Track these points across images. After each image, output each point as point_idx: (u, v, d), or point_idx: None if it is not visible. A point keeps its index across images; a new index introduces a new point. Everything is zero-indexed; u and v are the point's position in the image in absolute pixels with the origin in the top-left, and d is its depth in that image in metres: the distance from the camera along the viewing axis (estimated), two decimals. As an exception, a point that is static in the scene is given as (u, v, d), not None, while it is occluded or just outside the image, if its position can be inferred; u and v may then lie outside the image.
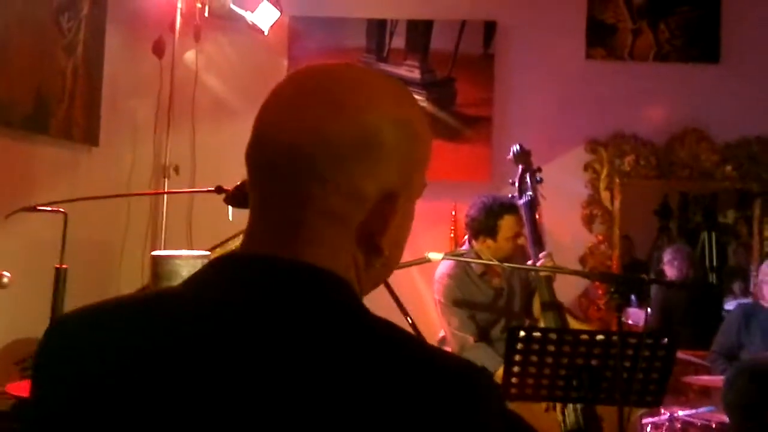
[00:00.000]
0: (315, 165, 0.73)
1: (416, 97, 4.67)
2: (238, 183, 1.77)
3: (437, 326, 3.15)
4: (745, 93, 4.60)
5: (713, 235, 5.83)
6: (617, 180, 4.60)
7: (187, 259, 1.76)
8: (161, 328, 0.71)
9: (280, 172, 0.74)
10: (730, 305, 4.58)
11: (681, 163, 4.60)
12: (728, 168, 4.56)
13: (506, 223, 3.00)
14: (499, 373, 2.46)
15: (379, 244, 0.76)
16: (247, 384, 0.66)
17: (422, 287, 3.67)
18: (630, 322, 4.66)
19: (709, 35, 4.63)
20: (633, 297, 4.94)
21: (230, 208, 1.75)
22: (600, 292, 4.47)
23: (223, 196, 1.84)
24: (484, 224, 3.01)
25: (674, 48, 4.67)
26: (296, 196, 0.74)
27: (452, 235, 4.27)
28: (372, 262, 0.77)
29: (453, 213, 4.34)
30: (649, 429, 3.40)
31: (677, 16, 4.67)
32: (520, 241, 3.03)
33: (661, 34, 4.68)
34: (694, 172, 4.60)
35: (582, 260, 4.49)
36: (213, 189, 2.00)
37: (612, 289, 2.32)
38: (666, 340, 2.45)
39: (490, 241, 3.00)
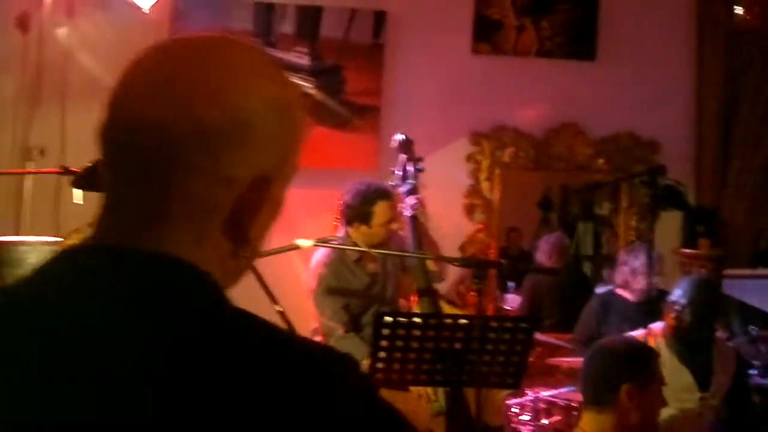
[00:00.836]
0: (181, 148, 0.68)
1: (305, 84, 4.71)
2: (89, 164, 1.71)
3: (311, 316, 3.17)
4: (618, 90, 4.86)
5: (589, 225, 6.16)
6: (497, 171, 4.76)
7: (34, 246, 1.69)
8: None
9: (140, 154, 0.69)
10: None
11: (557, 156, 4.82)
12: (601, 161, 4.81)
13: (380, 209, 3.03)
14: (367, 363, 2.50)
15: (247, 232, 0.73)
16: (81, 392, 0.62)
17: (297, 275, 3.68)
18: (507, 307, 4.85)
19: (586, 33, 4.85)
20: (511, 284, 5.17)
21: (77, 191, 1.69)
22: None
23: (72, 178, 1.78)
24: (358, 210, 3.04)
25: (555, 45, 4.86)
26: (159, 180, 0.69)
27: (336, 223, 4.30)
28: (238, 252, 0.73)
29: (340, 202, 4.37)
30: (516, 410, 3.56)
31: (558, 14, 4.85)
32: (394, 226, 3.08)
33: (543, 30, 4.86)
34: (569, 164, 4.82)
35: (462, 248, 4.63)
36: (59, 170, 1.92)
37: (474, 274, 2.40)
38: (525, 324, 2.57)
39: (364, 228, 3.04)
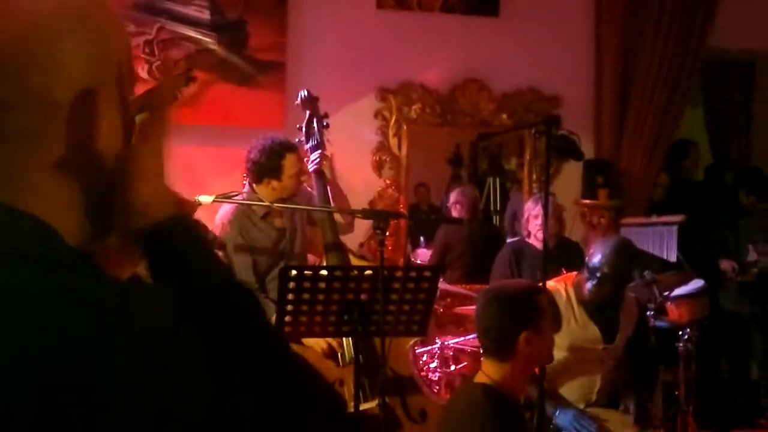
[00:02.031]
0: None
1: (206, 39, 4.56)
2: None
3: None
4: (520, 46, 4.94)
5: (497, 180, 6.31)
6: (405, 127, 4.79)
7: None
8: None
9: None
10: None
11: (462, 112, 4.88)
12: (504, 116, 4.90)
13: (289, 162, 3.00)
14: (272, 319, 2.49)
15: (94, 148, 0.68)
16: None
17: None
18: (419, 261, 4.93)
19: (490, -11, 4.88)
20: (422, 238, 5.25)
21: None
22: (388, 233, 4.66)
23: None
24: (267, 166, 2.99)
25: (459, 0, 4.87)
26: None
27: (245, 181, 4.23)
28: (94, 168, 0.69)
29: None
30: (425, 358, 3.66)
31: (462, -31, 4.86)
32: (303, 178, 3.07)
33: (447, -14, 4.86)
34: (474, 119, 4.89)
35: (372, 204, 4.65)
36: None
37: (375, 226, 2.41)
38: (429, 272, 2.60)
39: (275, 182, 3.00)
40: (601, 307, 2.89)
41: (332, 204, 3.07)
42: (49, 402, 0.58)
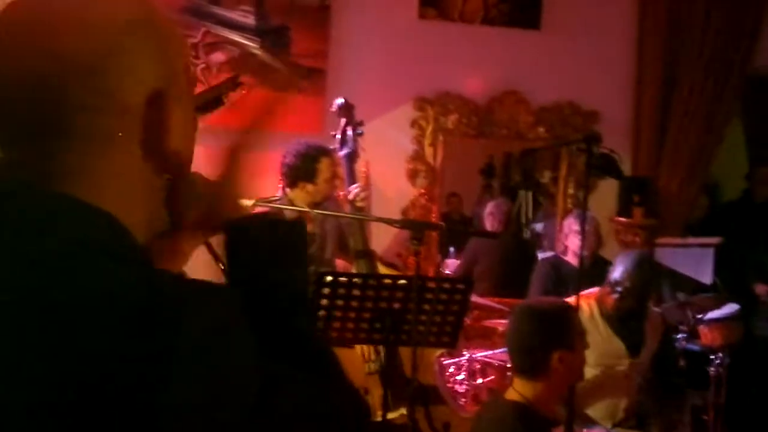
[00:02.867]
0: (61, 88, 0.68)
1: (250, 44, 4.63)
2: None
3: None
4: (560, 60, 4.93)
5: (530, 193, 6.29)
6: (441, 137, 4.80)
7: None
8: None
9: (18, 105, 0.69)
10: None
11: (500, 124, 4.88)
12: (541, 129, 4.89)
13: (324, 165, 3.05)
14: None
15: (166, 147, 0.74)
16: None
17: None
18: (448, 272, 4.94)
19: (531, 2, 4.89)
20: (452, 249, 5.25)
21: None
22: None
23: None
24: (303, 169, 3.04)
25: (500, 12, 4.88)
26: (50, 134, 0.69)
27: (280, 186, 4.29)
28: (162, 169, 0.74)
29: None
30: (452, 369, 3.66)
31: (504, -18, 4.87)
32: (337, 183, 3.10)
33: (489, -2, 4.88)
34: (511, 132, 4.89)
35: (404, 212, 4.67)
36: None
37: (412, 236, 2.44)
38: (462, 285, 2.62)
39: (309, 186, 3.04)
40: (625, 321, 2.88)
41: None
42: (112, 387, 0.63)
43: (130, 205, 0.73)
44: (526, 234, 6.02)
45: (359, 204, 3.02)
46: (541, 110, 4.90)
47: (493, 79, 4.88)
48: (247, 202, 2.58)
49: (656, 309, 3.17)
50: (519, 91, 4.87)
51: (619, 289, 2.81)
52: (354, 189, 3.01)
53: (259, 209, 3.00)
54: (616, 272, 2.84)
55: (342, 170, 3.14)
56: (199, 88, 0.92)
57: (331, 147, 3.20)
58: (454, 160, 5.07)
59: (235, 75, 3.88)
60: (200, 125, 0.92)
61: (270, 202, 2.88)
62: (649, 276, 2.89)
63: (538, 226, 5.56)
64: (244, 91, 4.29)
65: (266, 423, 0.72)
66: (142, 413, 0.63)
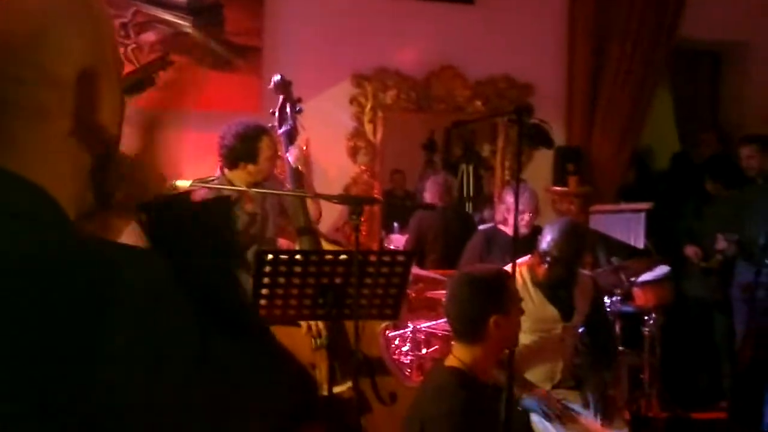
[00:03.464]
0: None
1: (182, 23, 4.55)
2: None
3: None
4: (494, 34, 4.99)
5: (471, 167, 6.38)
6: (380, 113, 4.82)
7: None
8: None
9: None
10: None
11: (438, 98, 4.93)
12: (478, 103, 4.96)
13: (265, 145, 3.03)
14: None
15: (96, 123, 0.76)
16: None
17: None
18: (392, 247, 4.98)
19: (465, -22, 4.92)
20: (396, 224, 5.31)
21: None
22: (362, 219, 4.72)
23: None
24: (243, 150, 3.02)
25: (435, -12, 4.90)
26: None
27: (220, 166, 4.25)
28: (96, 142, 0.76)
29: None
30: (397, 342, 3.72)
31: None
32: (275, 162, 3.07)
33: (423, -27, 4.89)
34: (449, 106, 4.94)
35: (346, 189, 4.69)
36: None
37: (351, 211, 2.46)
38: (402, 257, 2.66)
39: (251, 167, 3.02)
40: (555, 288, 2.96)
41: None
42: (51, 344, 0.64)
43: (59, 180, 0.75)
44: (468, 207, 6.12)
45: (298, 168, 3.01)
46: (477, 84, 4.97)
47: (430, 55, 4.92)
48: (184, 183, 2.56)
49: (587, 273, 3.26)
50: (455, 66, 4.92)
51: (548, 258, 2.88)
52: (293, 151, 3.00)
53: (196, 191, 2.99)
54: (544, 242, 2.91)
55: (282, 148, 3.14)
56: (129, 69, 0.94)
57: (270, 125, 3.19)
58: (394, 136, 5.10)
59: (165, 53, 3.80)
60: (131, 106, 0.93)
61: (207, 182, 2.85)
62: (576, 244, 2.97)
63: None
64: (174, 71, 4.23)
65: (205, 384, 0.74)
66: (78, 368, 0.65)
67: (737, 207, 4.51)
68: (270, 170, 3.10)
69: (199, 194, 3.05)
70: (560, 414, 2.75)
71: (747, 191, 4.52)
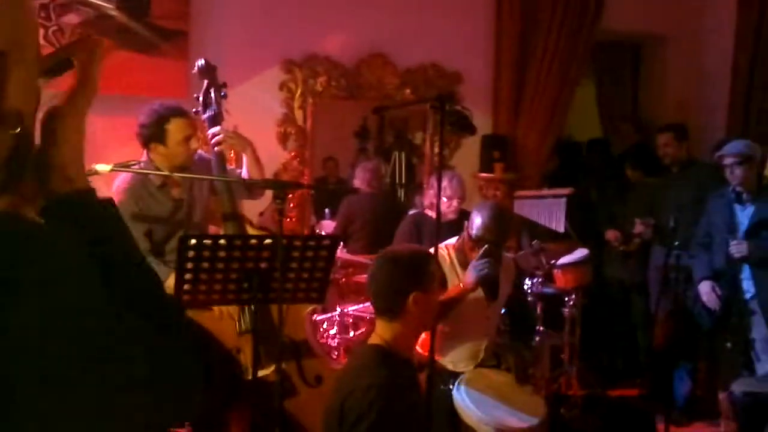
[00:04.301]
0: None
1: (105, 5, 4.44)
2: None
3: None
4: (423, 23, 5.05)
5: (403, 154, 6.45)
6: (310, 100, 4.83)
7: None
8: None
9: None
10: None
11: (368, 86, 4.96)
12: (408, 91, 5.02)
13: (175, 126, 2.95)
14: (170, 283, 2.52)
15: (4, 105, 0.76)
16: None
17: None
18: (323, 233, 5.01)
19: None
20: (327, 210, 5.34)
21: None
22: (292, 205, 4.74)
23: None
24: (153, 130, 2.96)
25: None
26: None
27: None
28: (5, 130, 0.76)
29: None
30: (325, 325, 3.76)
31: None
32: (193, 144, 3.00)
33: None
34: (379, 94, 4.99)
35: (276, 176, 4.68)
36: None
37: (275, 195, 2.47)
38: (327, 242, 2.69)
39: (161, 148, 2.97)
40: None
41: (245, 170, 3.09)
42: None
43: None
44: (400, 194, 6.19)
45: (219, 149, 2.98)
46: (406, 72, 5.03)
47: (360, 42, 4.94)
48: (104, 167, 2.52)
49: (508, 255, 3.36)
50: (385, 54, 4.97)
51: (479, 241, 2.96)
52: (214, 131, 2.98)
53: (120, 174, 2.95)
54: (474, 226, 2.99)
55: (206, 133, 3.11)
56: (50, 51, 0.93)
57: (194, 110, 3.15)
58: (326, 123, 5.11)
59: (86, 35, 3.72)
60: (53, 89, 0.93)
61: (128, 166, 2.81)
62: (504, 226, 3.07)
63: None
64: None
65: (111, 361, 0.76)
66: None
67: (654, 193, 4.71)
68: (185, 154, 2.99)
69: (122, 178, 3.01)
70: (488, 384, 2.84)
71: (663, 178, 4.73)
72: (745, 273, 3.87)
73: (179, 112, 2.98)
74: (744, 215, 3.90)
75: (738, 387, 3.36)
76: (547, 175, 5.27)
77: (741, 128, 5.42)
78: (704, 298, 3.94)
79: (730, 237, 3.87)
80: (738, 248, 3.81)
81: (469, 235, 3.02)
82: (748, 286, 3.87)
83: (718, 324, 3.94)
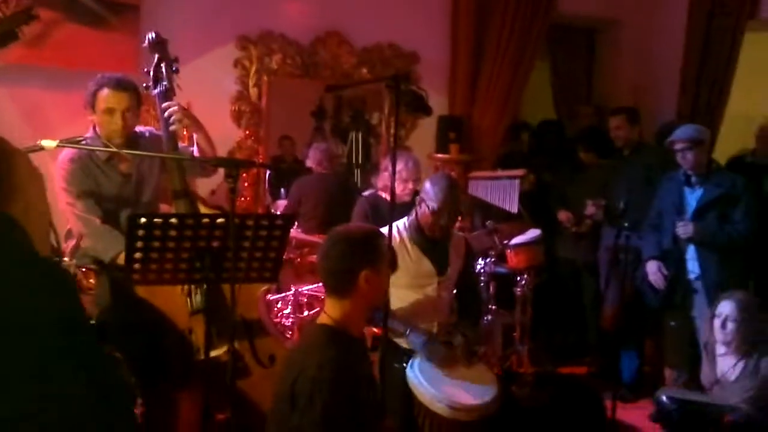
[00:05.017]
0: None
1: (52, -24, 4.27)
2: None
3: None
4: (381, 2, 5.02)
5: (360, 134, 6.43)
6: (265, 77, 4.77)
7: None
8: None
9: None
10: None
11: (324, 64, 4.92)
12: (364, 70, 4.99)
13: (101, 96, 2.90)
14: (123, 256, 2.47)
15: None
16: None
17: (50, 178, 3.47)
18: (279, 212, 4.98)
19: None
20: (282, 190, 5.30)
21: None
22: (246, 184, 4.69)
23: None
24: (88, 98, 2.93)
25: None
26: None
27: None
28: None
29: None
30: (279, 305, 3.74)
31: None
32: (116, 119, 2.93)
33: (310, -64, 4.83)
34: (335, 72, 4.95)
35: (230, 154, 4.63)
36: None
37: (227, 174, 2.44)
38: (280, 221, 2.67)
39: (93, 117, 2.94)
40: (432, 243, 3.08)
41: (197, 148, 3.04)
42: None
43: None
44: (357, 174, 6.17)
45: (173, 127, 2.94)
46: (363, 51, 5.00)
47: (316, 20, 4.89)
48: (50, 143, 2.45)
49: (459, 233, 3.38)
50: (342, 32, 4.93)
51: (435, 213, 2.97)
52: (167, 105, 2.93)
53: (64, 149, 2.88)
54: (428, 197, 2.99)
55: (157, 108, 3.05)
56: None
57: (144, 85, 3.08)
58: (282, 102, 5.05)
59: (29, 6, 3.59)
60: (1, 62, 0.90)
61: (76, 142, 2.74)
62: (456, 194, 3.09)
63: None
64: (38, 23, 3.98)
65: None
66: None
67: (606, 175, 4.79)
68: (108, 127, 2.91)
69: (68, 150, 2.92)
70: (443, 357, 2.87)
71: (615, 160, 4.81)
72: (690, 253, 3.98)
73: (112, 84, 2.93)
74: (693, 197, 4.00)
75: (664, 393, 3.46)
76: (500, 156, 5.31)
77: (690, 112, 5.54)
78: (651, 277, 4.03)
79: (678, 218, 3.96)
80: (684, 229, 3.91)
81: (425, 204, 3.03)
82: (692, 267, 3.98)
83: (664, 303, 4.05)
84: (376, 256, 2.16)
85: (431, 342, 2.93)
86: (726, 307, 3.29)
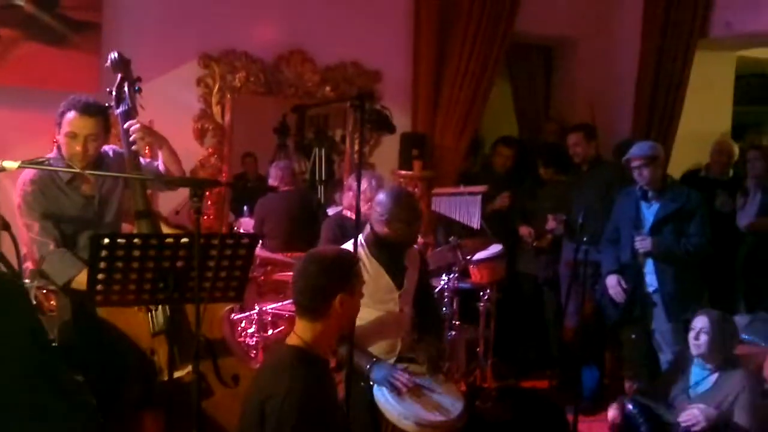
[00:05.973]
0: None
1: (13, -7, 4.24)
2: None
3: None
4: (343, 20, 5.07)
5: (323, 151, 6.46)
6: (228, 95, 4.77)
7: None
8: None
9: None
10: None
11: (287, 82, 4.94)
12: (327, 89, 5.02)
13: (67, 119, 2.88)
14: (81, 278, 2.45)
15: None
16: None
17: (10, 199, 3.43)
18: (242, 230, 4.98)
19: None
20: (246, 207, 5.29)
21: None
22: (209, 202, 4.67)
23: None
24: (57, 116, 2.92)
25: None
26: None
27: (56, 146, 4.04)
28: None
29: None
30: (243, 324, 3.73)
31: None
32: (77, 144, 2.90)
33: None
34: (298, 91, 4.97)
35: (193, 172, 4.61)
36: None
37: (191, 194, 2.44)
38: (246, 240, 2.68)
39: (58, 136, 2.93)
40: (391, 256, 3.09)
41: (161, 164, 3.04)
42: None
43: None
44: (320, 191, 6.19)
45: (135, 147, 2.93)
46: (326, 69, 5.04)
47: (280, 38, 4.92)
48: (11, 164, 2.43)
49: (416, 248, 3.37)
50: (305, 51, 4.96)
51: (395, 225, 2.99)
52: (130, 124, 2.92)
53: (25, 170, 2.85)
54: (384, 210, 3.00)
55: (119, 128, 3.04)
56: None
57: (107, 105, 3.07)
58: (245, 119, 5.06)
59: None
60: None
61: (39, 163, 2.72)
62: (413, 203, 3.10)
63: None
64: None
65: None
66: None
67: (565, 191, 4.90)
68: (69, 151, 2.90)
69: (29, 171, 2.89)
70: (406, 385, 2.88)
71: (573, 176, 4.92)
72: (649, 267, 4.08)
73: (79, 107, 2.91)
74: (649, 212, 4.11)
75: (629, 401, 3.51)
76: (462, 172, 5.39)
77: (645, 128, 5.70)
78: (610, 291, 4.12)
79: (636, 233, 4.07)
80: (642, 243, 4.01)
81: (381, 218, 3.04)
82: (651, 280, 4.08)
83: (624, 316, 4.14)
84: (352, 280, 2.19)
85: (394, 372, 2.92)
86: (700, 321, 3.37)
